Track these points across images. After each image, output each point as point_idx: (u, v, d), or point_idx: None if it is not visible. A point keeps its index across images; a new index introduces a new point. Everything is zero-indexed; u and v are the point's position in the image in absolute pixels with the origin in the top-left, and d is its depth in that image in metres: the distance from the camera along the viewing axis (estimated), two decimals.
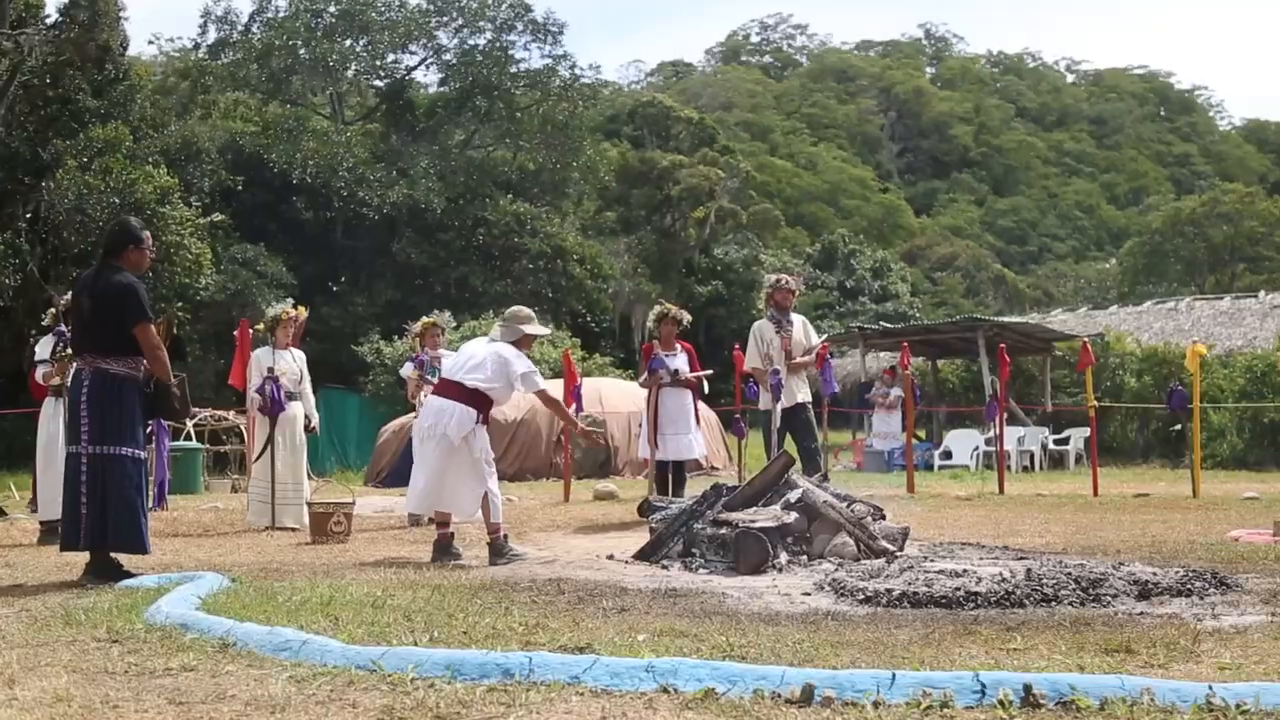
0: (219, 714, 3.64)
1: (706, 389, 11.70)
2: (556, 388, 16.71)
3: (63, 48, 25.19)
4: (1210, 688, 3.50)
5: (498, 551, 7.85)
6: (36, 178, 24.21)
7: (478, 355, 8.10)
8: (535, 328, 8.33)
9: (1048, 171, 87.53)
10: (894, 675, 3.67)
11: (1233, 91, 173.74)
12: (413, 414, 11.72)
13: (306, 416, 11.33)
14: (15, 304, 23.25)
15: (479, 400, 7.97)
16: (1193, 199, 53.31)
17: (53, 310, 10.22)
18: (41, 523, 10.00)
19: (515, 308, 8.53)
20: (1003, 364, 15.46)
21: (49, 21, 26.17)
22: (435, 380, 11.00)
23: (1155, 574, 6.15)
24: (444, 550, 7.97)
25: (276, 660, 4.35)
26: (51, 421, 9.87)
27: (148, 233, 7.32)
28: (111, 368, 6.86)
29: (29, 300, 22.54)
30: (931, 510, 11.63)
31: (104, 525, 6.79)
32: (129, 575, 6.82)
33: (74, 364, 9.57)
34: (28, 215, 24.54)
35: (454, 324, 12.88)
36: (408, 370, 11.68)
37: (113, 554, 6.96)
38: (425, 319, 11.87)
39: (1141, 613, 5.30)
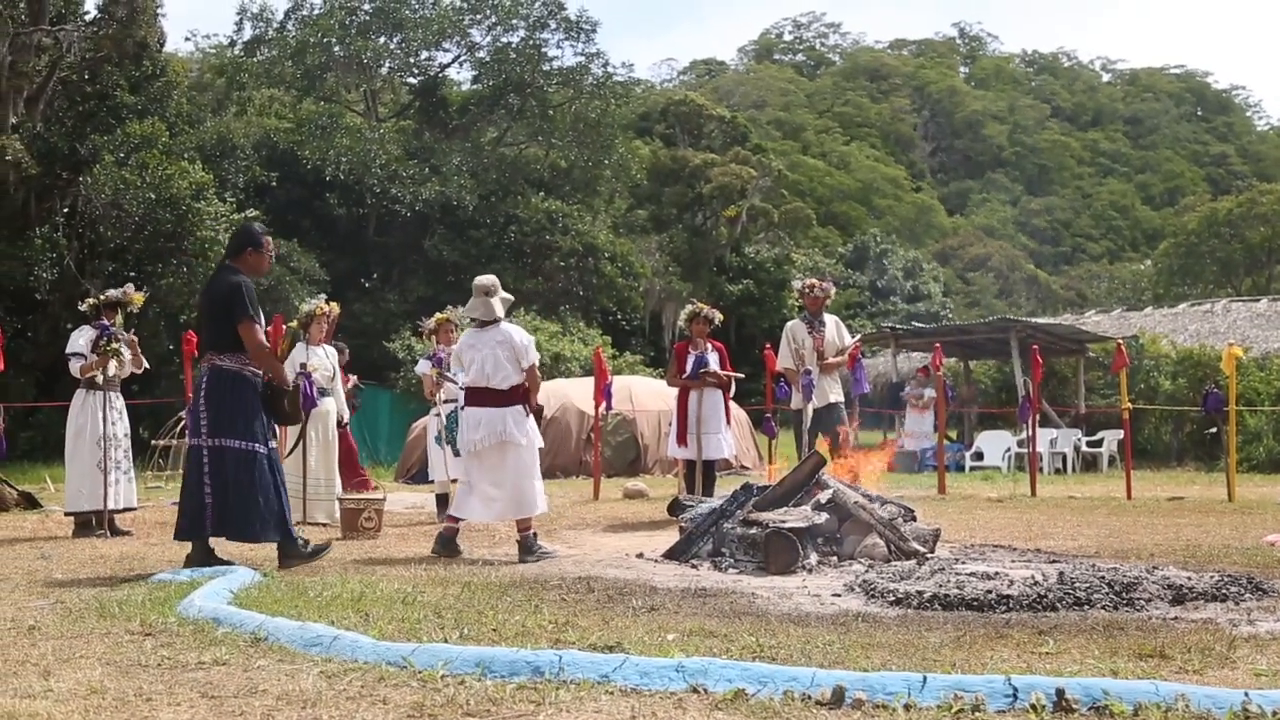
0: (250, 708, 3.66)
1: (734, 389, 11.68)
2: (587, 385, 16.78)
3: (101, 44, 25.39)
4: (1246, 694, 3.47)
5: (527, 549, 7.87)
6: (74, 173, 24.40)
7: (489, 353, 8.12)
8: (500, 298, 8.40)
9: (1082, 171, 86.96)
10: (925, 678, 3.66)
11: (1271, 91, 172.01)
12: (433, 413, 11.63)
13: (339, 414, 11.35)
14: (52, 297, 23.44)
15: (517, 395, 8.06)
16: (1229, 200, 52.70)
17: (91, 301, 10.24)
18: (67, 514, 10.07)
19: (482, 280, 8.48)
20: (1035, 365, 15.38)
21: (88, 18, 26.39)
22: (454, 377, 11.02)
23: (1190, 578, 6.10)
24: (449, 545, 8.00)
25: (308, 655, 4.37)
26: (81, 414, 9.91)
27: (269, 237, 7.67)
28: (225, 364, 7.18)
29: (65, 294, 22.70)
30: (963, 512, 11.58)
31: (220, 514, 7.06)
32: (224, 563, 7.04)
33: (111, 360, 9.71)
34: (65, 210, 24.73)
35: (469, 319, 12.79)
36: (424, 368, 11.57)
37: (211, 542, 7.21)
38: (439, 314, 11.71)
39: (1176, 618, 5.26)
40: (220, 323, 7.21)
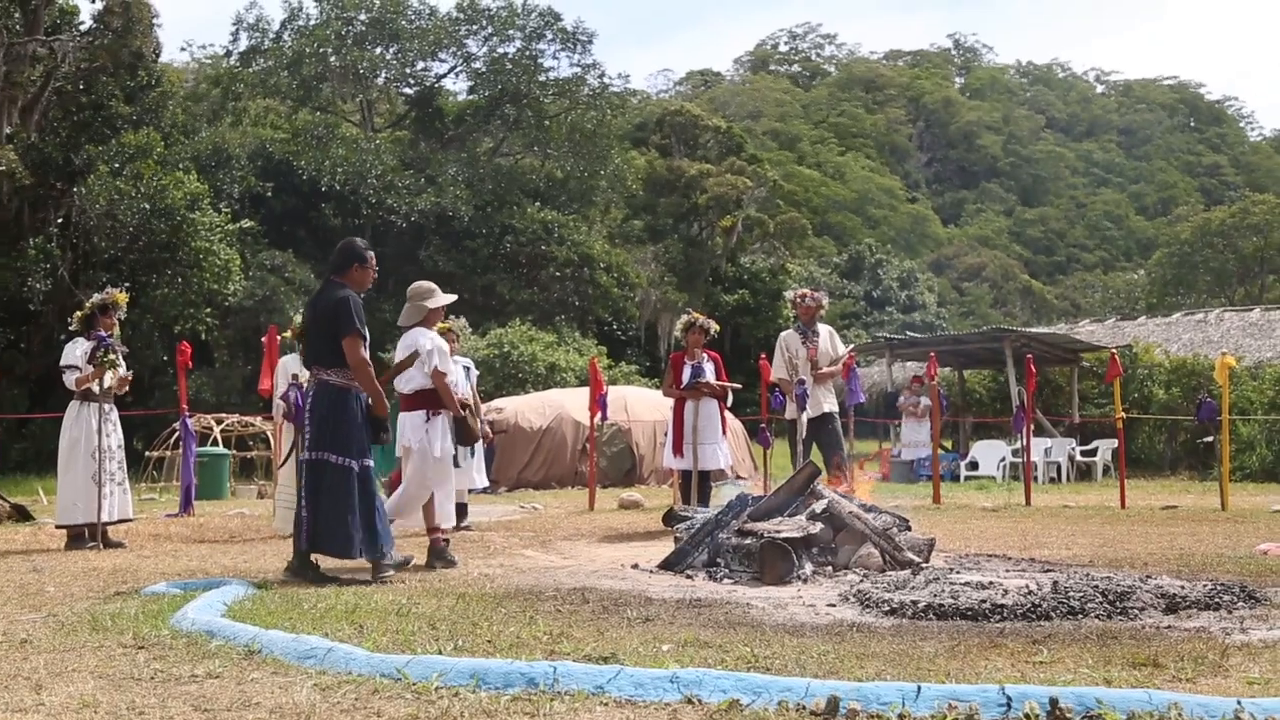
0: None
1: (730, 399, 11.67)
2: (582, 395, 16.76)
3: (96, 54, 25.43)
4: (1239, 703, 3.47)
5: (437, 554, 7.97)
6: (68, 183, 24.41)
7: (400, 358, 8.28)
8: (439, 299, 8.40)
9: (1076, 182, 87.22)
10: (919, 688, 3.66)
11: (1263, 102, 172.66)
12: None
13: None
14: (45, 308, 23.44)
15: (418, 401, 8.17)
16: (1222, 210, 52.88)
17: (79, 314, 10.15)
18: (58, 527, 10.00)
19: (415, 284, 8.59)
20: (1030, 375, 15.40)
21: (83, 28, 26.43)
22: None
23: (1183, 587, 6.11)
24: (441, 555, 8.03)
25: (301, 668, 4.36)
26: (75, 426, 9.81)
27: (372, 253, 7.63)
28: (332, 379, 7.25)
29: (59, 305, 22.73)
30: (957, 521, 11.58)
31: (325, 531, 7.09)
32: (328, 579, 7.04)
33: (109, 372, 9.66)
34: (59, 220, 24.74)
35: (469, 330, 12.79)
36: None
37: (313, 556, 7.24)
38: (440, 324, 11.75)
39: (1169, 626, 5.26)
40: (326, 337, 7.25)
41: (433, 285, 8.60)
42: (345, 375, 7.24)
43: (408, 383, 8.20)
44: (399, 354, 8.27)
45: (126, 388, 10.30)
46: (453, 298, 8.72)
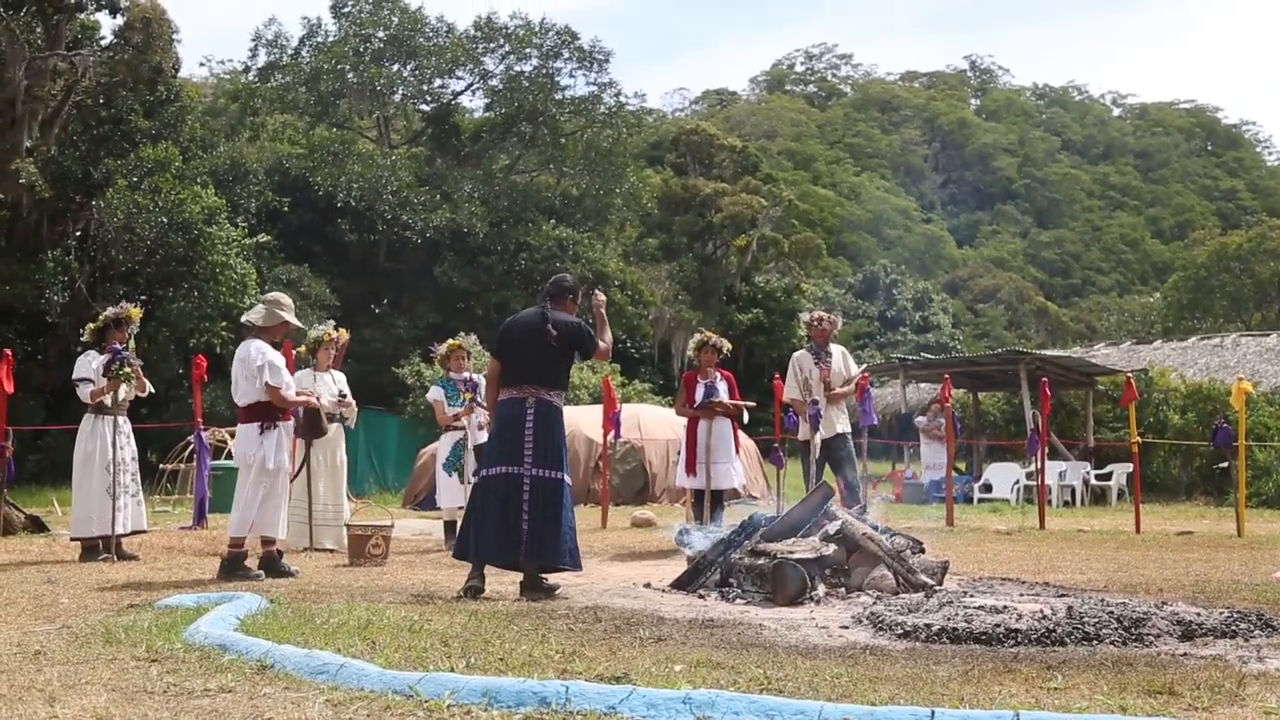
0: None
1: (746, 418, 11.66)
2: (596, 413, 16.76)
3: (116, 69, 25.60)
4: None
5: (270, 566, 8.26)
6: (87, 196, 24.54)
7: (233, 369, 8.46)
8: (290, 315, 8.67)
9: (1092, 204, 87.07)
10: (933, 712, 3.64)
11: None
12: (436, 440, 11.71)
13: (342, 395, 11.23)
14: (62, 320, 23.52)
15: (251, 413, 8.32)
16: (1239, 234, 52.71)
17: (91, 326, 10.17)
18: (72, 539, 10.03)
19: (277, 294, 8.88)
20: (1044, 398, 15.36)
21: (104, 43, 26.60)
22: (461, 406, 11.11)
23: (1199, 614, 6.07)
24: (233, 568, 8.20)
25: (314, 683, 4.36)
26: (89, 439, 9.86)
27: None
28: (555, 400, 7.47)
29: (76, 317, 22.79)
30: (971, 544, 11.54)
31: (547, 544, 7.23)
32: (552, 589, 7.23)
33: (121, 385, 9.68)
34: (77, 233, 24.87)
35: (479, 347, 12.82)
36: (435, 394, 11.63)
37: (543, 573, 7.36)
38: (450, 341, 11.77)
39: (1185, 654, 5.22)
40: (565, 359, 7.61)
41: (290, 302, 8.85)
42: (563, 393, 7.58)
43: (243, 396, 8.35)
44: (235, 367, 8.43)
45: (146, 391, 10.31)
46: (300, 326, 9.10)
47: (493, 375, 7.70)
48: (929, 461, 21.05)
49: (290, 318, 8.64)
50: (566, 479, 7.38)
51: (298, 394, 8.74)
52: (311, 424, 9.56)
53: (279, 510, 8.57)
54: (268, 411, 8.36)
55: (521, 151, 40.55)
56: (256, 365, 8.29)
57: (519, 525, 7.20)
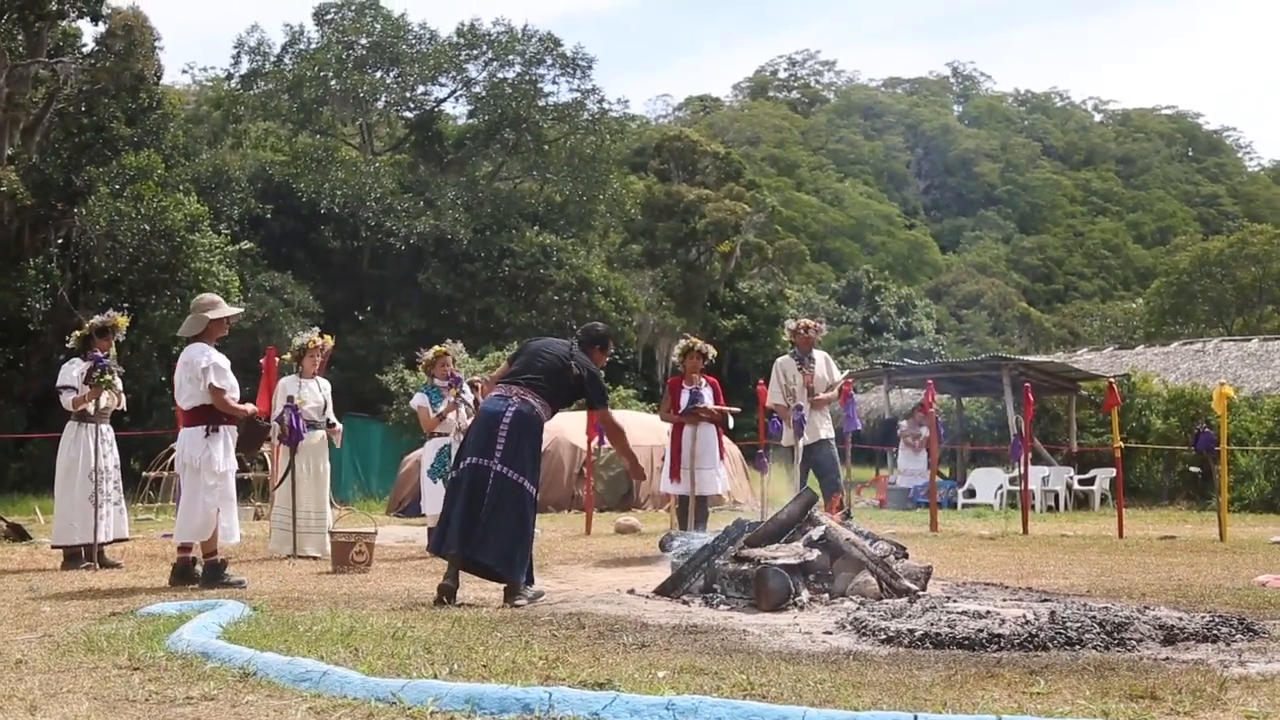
0: None
1: (731, 424, 11.66)
2: (580, 419, 16.74)
3: (98, 76, 25.51)
4: None
5: (213, 575, 8.16)
6: (69, 204, 24.45)
7: (177, 373, 8.39)
8: (221, 310, 8.55)
9: (1074, 210, 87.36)
10: (916, 717, 3.65)
11: (1261, 133, 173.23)
12: (420, 447, 11.68)
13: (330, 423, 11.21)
14: (45, 328, 23.43)
15: (195, 417, 8.28)
16: (1220, 240, 52.98)
17: (77, 334, 10.16)
18: (54, 547, 10.00)
19: (199, 296, 8.79)
20: (1027, 403, 15.41)
21: (86, 50, 26.52)
22: (441, 409, 11.13)
23: (1181, 619, 6.09)
24: (183, 575, 8.19)
25: (296, 691, 4.35)
26: (73, 447, 9.83)
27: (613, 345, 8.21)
28: (537, 408, 7.39)
29: (58, 325, 22.71)
30: (954, 549, 11.56)
31: (489, 541, 7.14)
32: (538, 595, 7.27)
33: (104, 392, 9.65)
34: (59, 241, 24.77)
35: (465, 354, 12.79)
36: (419, 401, 11.60)
37: (474, 569, 7.33)
38: (436, 348, 11.75)
39: (1167, 658, 5.24)
40: (566, 389, 7.62)
41: (216, 298, 8.80)
42: (547, 413, 7.48)
43: (187, 399, 8.29)
44: (179, 370, 8.36)
45: (120, 403, 10.25)
46: (238, 311, 8.97)
47: (497, 377, 7.75)
48: (905, 468, 21.15)
49: (215, 313, 8.43)
50: (529, 487, 7.29)
51: (241, 403, 8.57)
52: (249, 435, 9.18)
53: (232, 514, 8.53)
54: (213, 414, 8.28)
55: (505, 158, 40.56)
56: (201, 367, 8.20)
57: (478, 515, 7.16)
